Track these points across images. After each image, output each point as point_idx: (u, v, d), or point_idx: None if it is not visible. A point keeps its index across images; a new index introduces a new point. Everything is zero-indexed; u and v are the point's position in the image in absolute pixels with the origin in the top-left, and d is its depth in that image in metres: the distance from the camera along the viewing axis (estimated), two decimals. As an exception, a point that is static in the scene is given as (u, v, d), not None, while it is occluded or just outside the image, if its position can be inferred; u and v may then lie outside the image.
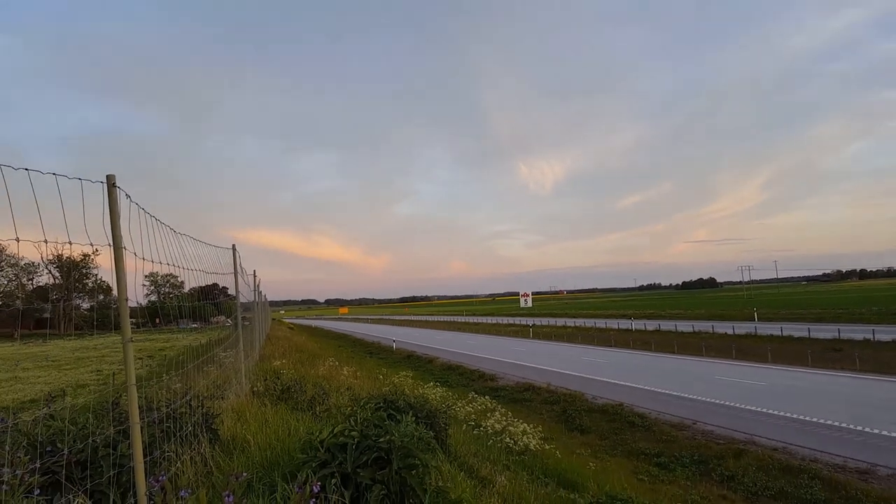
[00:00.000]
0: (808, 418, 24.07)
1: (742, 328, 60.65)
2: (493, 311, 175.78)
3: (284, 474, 4.89)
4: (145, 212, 4.29)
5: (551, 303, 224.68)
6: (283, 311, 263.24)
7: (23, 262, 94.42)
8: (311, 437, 5.05)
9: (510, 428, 12.80)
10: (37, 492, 3.63)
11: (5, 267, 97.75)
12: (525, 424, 13.35)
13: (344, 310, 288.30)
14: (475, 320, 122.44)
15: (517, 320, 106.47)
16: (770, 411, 25.58)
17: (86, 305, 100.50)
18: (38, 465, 3.75)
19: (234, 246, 9.10)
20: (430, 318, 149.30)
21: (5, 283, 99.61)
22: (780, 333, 53.86)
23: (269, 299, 34.79)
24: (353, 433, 4.85)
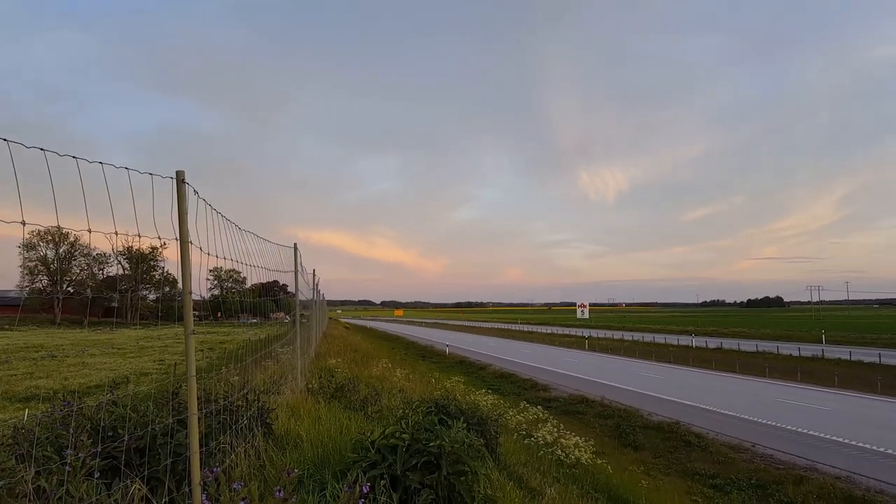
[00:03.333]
0: (874, 448, 22.94)
1: (808, 350, 58.32)
2: (549, 320, 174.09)
3: (335, 472, 4.92)
4: (212, 208, 4.37)
5: (609, 315, 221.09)
6: (339, 311, 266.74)
7: (95, 253, 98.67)
8: (362, 438, 5.07)
9: (561, 440, 12.60)
10: (97, 475, 3.73)
11: (78, 256, 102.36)
12: (577, 437, 13.12)
13: (399, 312, 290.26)
14: (529, 329, 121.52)
15: (573, 331, 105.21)
16: (834, 438, 24.49)
17: (152, 297, 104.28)
18: (99, 448, 3.86)
19: (295, 245, 9.25)
20: (484, 325, 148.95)
21: (78, 272, 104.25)
22: (848, 358, 51.51)
23: (326, 298, 35.34)
24: (403, 436, 4.85)
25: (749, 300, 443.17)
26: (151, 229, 3.62)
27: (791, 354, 55.88)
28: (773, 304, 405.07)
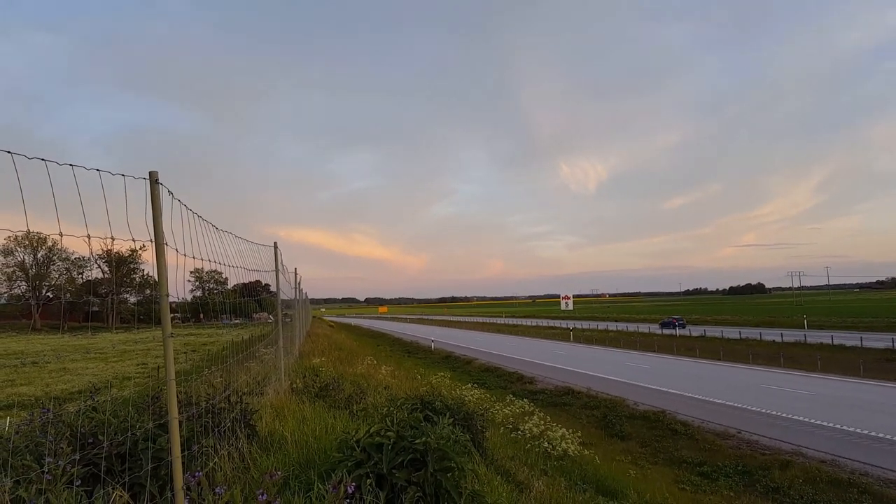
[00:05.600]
0: (858, 430, 23.26)
1: (791, 336, 58.97)
2: (533, 313, 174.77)
3: (320, 473, 4.88)
4: (188, 208, 4.30)
5: (593, 306, 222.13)
6: (323, 309, 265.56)
7: (73, 257, 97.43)
8: (347, 437, 5.03)
9: (548, 432, 12.65)
10: (77, 483, 3.66)
11: (57, 261, 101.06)
12: (563, 429, 13.18)
13: (383, 309, 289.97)
14: (514, 322, 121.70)
15: (557, 323, 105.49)
16: (818, 422, 24.80)
17: (133, 300, 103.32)
18: (78, 456, 3.79)
19: (275, 244, 9.17)
20: (468, 319, 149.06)
21: (56, 276, 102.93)
22: (830, 342, 52.15)
23: (309, 297, 35.18)
24: (389, 433, 4.81)
25: (731, 287, 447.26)
26: (126, 232, 3.55)
27: (774, 340, 56.49)
28: (755, 290, 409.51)
